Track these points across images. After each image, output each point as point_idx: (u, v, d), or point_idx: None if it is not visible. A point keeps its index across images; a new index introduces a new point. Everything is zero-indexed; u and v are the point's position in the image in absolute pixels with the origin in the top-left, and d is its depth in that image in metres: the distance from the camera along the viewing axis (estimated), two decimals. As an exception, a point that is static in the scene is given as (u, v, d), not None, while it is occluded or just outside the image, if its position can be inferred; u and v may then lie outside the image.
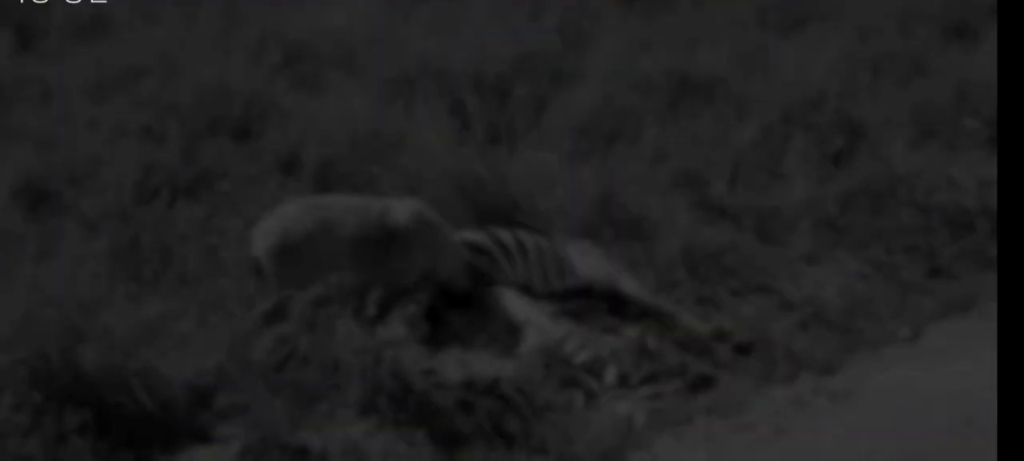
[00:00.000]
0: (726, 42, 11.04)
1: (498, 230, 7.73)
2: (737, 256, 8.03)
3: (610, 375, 6.92)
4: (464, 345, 7.06)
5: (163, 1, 11.55)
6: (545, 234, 7.86)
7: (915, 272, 8.33)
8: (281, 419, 5.96)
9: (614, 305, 7.51)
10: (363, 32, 11.14)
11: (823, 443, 6.26)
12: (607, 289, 7.58)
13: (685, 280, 7.83)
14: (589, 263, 7.70)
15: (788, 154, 9.14)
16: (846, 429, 6.40)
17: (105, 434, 5.95)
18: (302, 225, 7.12)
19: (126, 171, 8.33)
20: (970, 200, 8.76)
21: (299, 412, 6.14)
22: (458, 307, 7.41)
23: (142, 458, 6.01)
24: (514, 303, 7.36)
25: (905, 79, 10.63)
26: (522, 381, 6.54)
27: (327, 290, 6.84)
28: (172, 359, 6.28)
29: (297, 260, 7.03)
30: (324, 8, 11.49)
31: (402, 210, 7.32)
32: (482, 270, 7.51)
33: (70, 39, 10.91)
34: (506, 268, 7.53)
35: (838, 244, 8.46)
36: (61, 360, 5.99)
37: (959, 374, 6.85)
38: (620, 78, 10.15)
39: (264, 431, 5.91)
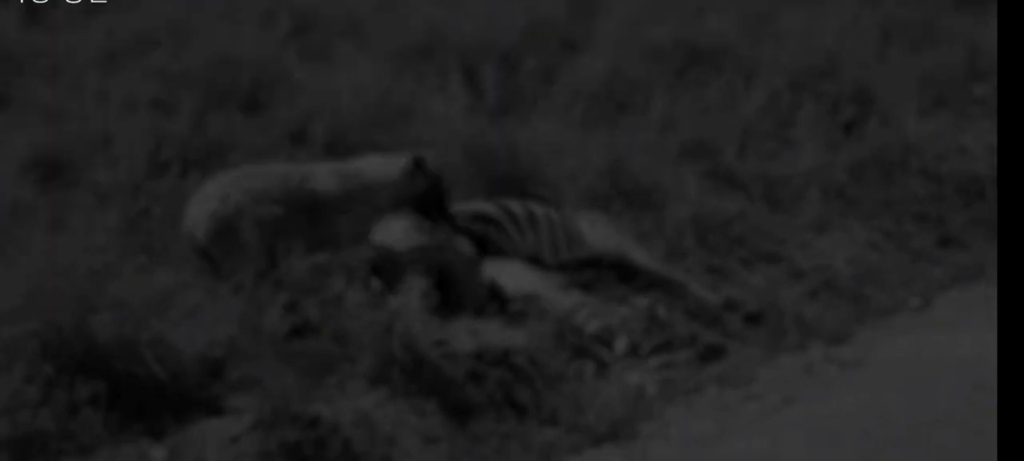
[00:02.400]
0: (734, 9, 11.01)
1: (508, 201, 7.72)
2: (747, 225, 8.02)
3: (620, 345, 6.93)
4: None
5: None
6: (555, 204, 7.86)
7: (925, 240, 8.34)
8: (292, 390, 5.98)
9: (624, 275, 7.51)
10: (372, 1, 11.12)
11: (833, 411, 6.27)
12: (617, 259, 7.58)
13: (695, 249, 7.83)
14: (599, 233, 7.69)
15: (797, 122, 9.12)
16: (856, 397, 6.41)
17: (116, 405, 5.96)
18: (231, 200, 7.09)
19: (137, 143, 8.33)
20: (980, 168, 8.74)
21: (310, 383, 6.15)
22: None
23: (154, 429, 6.02)
24: (521, 274, 7.36)
25: (915, 46, 10.60)
26: (533, 351, 6.55)
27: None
28: (183, 330, 6.29)
29: (234, 235, 7.01)
30: (333, -23, 11.48)
31: (324, 174, 7.30)
32: (491, 239, 7.51)
33: (79, 11, 10.90)
34: (516, 238, 7.53)
35: (848, 213, 8.46)
36: (73, 331, 5.99)
37: (969, 342, 6.86)
38: (629, 47, 10.13)
39: (275, 402, 5.92)
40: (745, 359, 6.97)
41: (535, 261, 7.50)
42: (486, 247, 7.48)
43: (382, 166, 7.42)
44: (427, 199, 7.37)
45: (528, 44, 10.21)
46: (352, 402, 6.05)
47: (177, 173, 8.08)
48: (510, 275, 7.33)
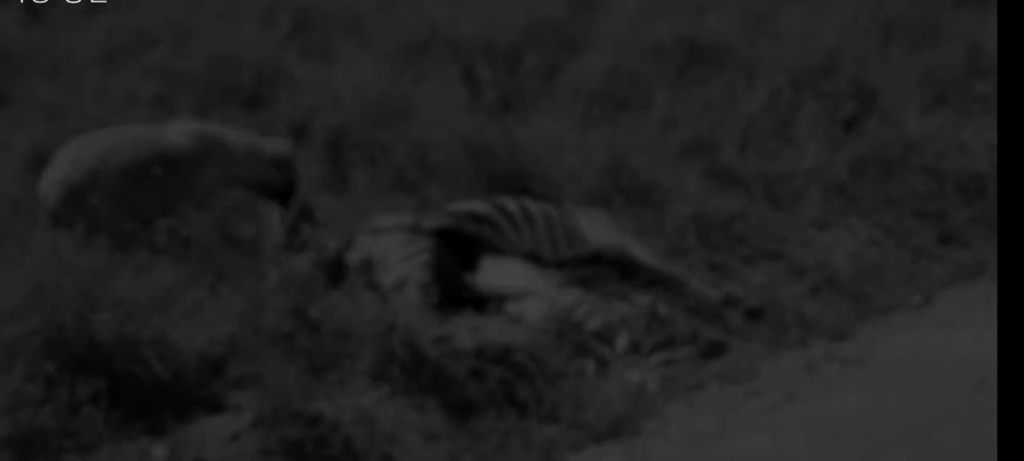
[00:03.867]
0: (735, 8, 11.01)
1: (503, 199, 7.71)
2: (747, 222, 8.02)
3: (621, 342, 6.92)
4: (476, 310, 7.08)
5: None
6: (553, 201, 7.85)
7: (926, 238, 8.33)
8: (293, 388, 5.98)
9: (624, 272, 7.51)
10: None
11: (834, 409, 6.27)
12: (617, 256, 7.57)
13: (696, 247, 7.82)
14: (599, 230, 7.69)
15: (798, 120, 9.12)
16: (857, 395, 6.41)
17: (117, 404, 5.97)
18: (81, 163, 7.13)
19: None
20: (981, 165, 8.73)
21: (311, 381, 6.15)
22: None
23: (155, 427, 6.03)
24: (519, 272, 7.35)
25: (916, 44, 10.60)
26: (533, 349, 6.55)
27: None
28: (184, 328, 6.30)
29: (83, 198, 7.03)
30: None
31: (177, 132, 7.31)
32: (486, 238, 7.50)
33: (79, 10, 10.91)
34: (512, 236, 7.51)
35: (849, 210, 8.45)
36: (74, 329, 6.00)
37: (969, 340, 6.86)
38: (629, 45, 10.13)
39: (276, 400, 5.92)
40: (746, 356, 6.96)
41: (534, 259, 7.49)
42: (480, 246, 7.48)
43: (242, 138, 7.47)
44: (283, 194, 7.46)
45: (528, 42, 10.21)
46: (353, 400, 6.06)
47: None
48: (508, 273, 7.33)
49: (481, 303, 7.11)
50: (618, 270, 7.52)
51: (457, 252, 7.41)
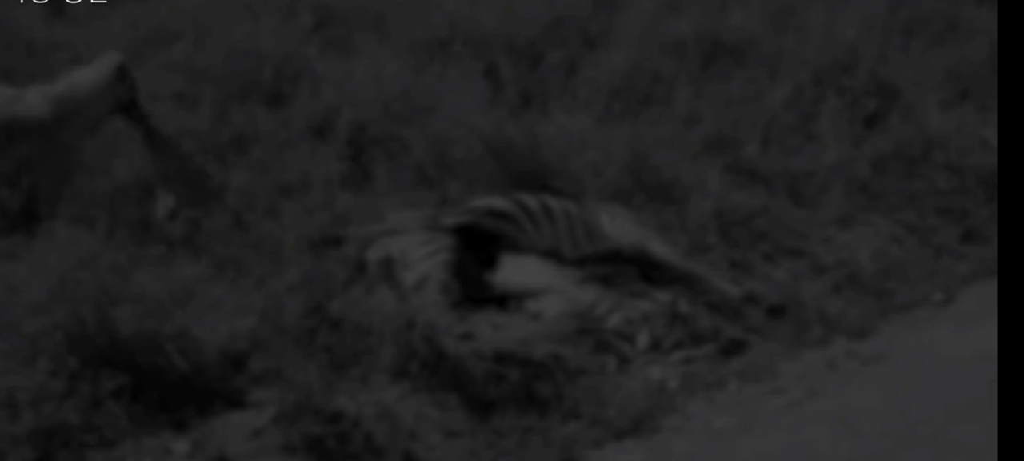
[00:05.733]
0: (757, 2, 10.97)
1: (523, 195, 7.69)
2: (769, 219, 7.99)
3: (642, 339, 6.92)
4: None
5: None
6: (574, 198, 7.84)
7: (948, 235, 8.30)
8: (314, 383, 5.99)
9: (645, 269, 7.49)
10: (393, -5, 11.12)
11: (855, 406, 6.27)
12: (638, 253, 7.55)
13: (717, 243, 7.80)
14: (620, 227, 7.67)
15: (820, 116, 9.09)
16: (878, 392, 6.40)
17: (140, 398, 6.00)
18: None
19: (158, 136, 8.35)
20: (1004, 162, 8.70)
21: (333, 377, 6.17)
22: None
23: (177, 422, 6.06)
24: (538, 269, 7.35)
25: (938, 40, 10.55)
26: (554, 346, 6.55)
27: None
28: (206, 323, 6.32)
29: None
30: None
31: (36, 98, 7.16)
32: (505, 234, 7.49)
33: (102, 5, 10.92)
34: (532, 233, 7.49)
35: (871, 207, 8.42)
36: (96, 324, 6.03)
37: (992, 337, 6.82)
38: (651, 40, 10.10)
39: (298, 395, 5.94)
40: (767, 353, 6.95)
41: (554, 255, 7.48)
42: (500, 242, 7.47)
43: (90, 77, 7.41)
44: (131, 106, 7.34)
45: (549, 38, 10.19)
46: (374, 396, 6.06)
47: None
48: (528, 270, 7.33)
49: (501, 300, 7.12)
50: (639, 267, 7.50)
51: (477, 249, 7.40)
